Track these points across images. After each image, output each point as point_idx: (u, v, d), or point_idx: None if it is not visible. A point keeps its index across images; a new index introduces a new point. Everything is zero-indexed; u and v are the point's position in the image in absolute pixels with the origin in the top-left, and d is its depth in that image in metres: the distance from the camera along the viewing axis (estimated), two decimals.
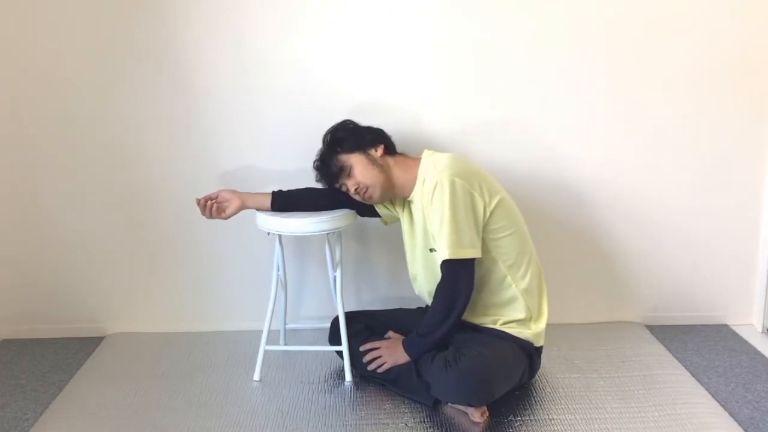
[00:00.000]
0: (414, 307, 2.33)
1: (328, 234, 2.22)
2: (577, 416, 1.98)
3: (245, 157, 2.44)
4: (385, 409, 2.04)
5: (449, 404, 2.02)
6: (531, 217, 2.24)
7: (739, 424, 1.95)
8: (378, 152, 2.08)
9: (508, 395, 2.05)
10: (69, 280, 2.57)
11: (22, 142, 2.43)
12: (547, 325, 2.11)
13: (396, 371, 2.08)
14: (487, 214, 1.96)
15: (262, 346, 2.23)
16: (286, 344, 2.48)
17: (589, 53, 2.36)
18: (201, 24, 2.32)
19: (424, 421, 1.97)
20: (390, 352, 2.10)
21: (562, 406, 2.04)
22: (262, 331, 2.23)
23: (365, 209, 2.23)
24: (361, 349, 2.16)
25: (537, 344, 2.09)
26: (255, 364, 2.24)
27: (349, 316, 2.24)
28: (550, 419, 1.97)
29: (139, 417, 2.02)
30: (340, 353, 2.24)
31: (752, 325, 2.62)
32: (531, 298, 2.06)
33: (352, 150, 2.06)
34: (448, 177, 1.91)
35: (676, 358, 2.35)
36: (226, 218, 2.18)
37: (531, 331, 2.05)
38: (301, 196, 2.20)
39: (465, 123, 2.41)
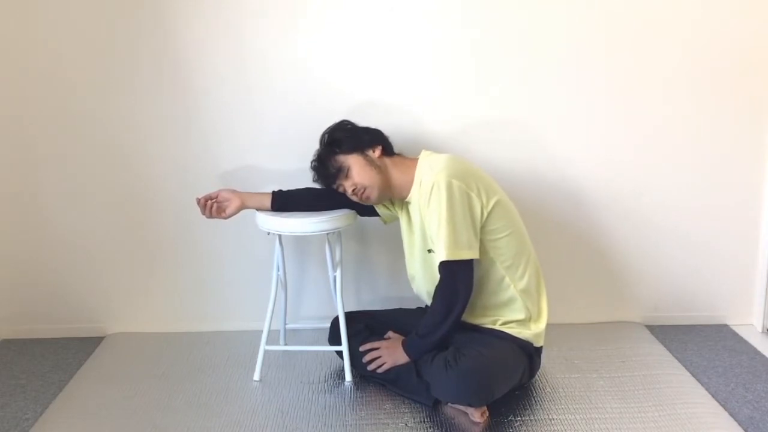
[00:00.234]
0: (414, 307, 2.33)
1: (328, 234, 2.22)
2: (577, 416, 1.98)
3: (245, 157, 2.44)
4: (385, 409, 2.04)
5: (449, 404, 2.02)
6: (531, 217, 2.25)
7: (739, 424, 1.95)
8: (376, 153, 2.08)
9: (508, 395, 2.05)
10: (69, 280, 2.57)
11: (22, 142, 2.43)
12: (547, 325, 2.11)
13: (396, 371, 2.08)
14: (485, 215, 1.96)
15: (262, 346, 2.23)
16: (286, 344, 2.48)
17: (589, 53, 2.36)
18: (201, 24, 2.32)
19: (424, 421, 1.97)
20: (390, 353, 2.10)
21: (562, 406, 2.04)
22: (262, 331, 2.23)
23: (365, 209, 2.22)
24: (361, 349, 2.16)
25: (537, 344, 2.09)
26: (255, 364, 2.24)
27: (349, 316, 2.24)
28: (550, 419, 1.97)
29: (139, 417, 2.02)
30: (340, 353, 2.24)
31: (752, 325, 2.62)
32: (530, 299, 2.06)
33: (350, 151, 2.06)
34: (445, 178, 1.91)
35: (676, 358, 2.35)
36: (226, 218, 2.18)
37: (531, 332, 2.05)
38: (302, 196, 2.21)
39: (465, 123, 2.41)
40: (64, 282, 2.57)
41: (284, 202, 2.19)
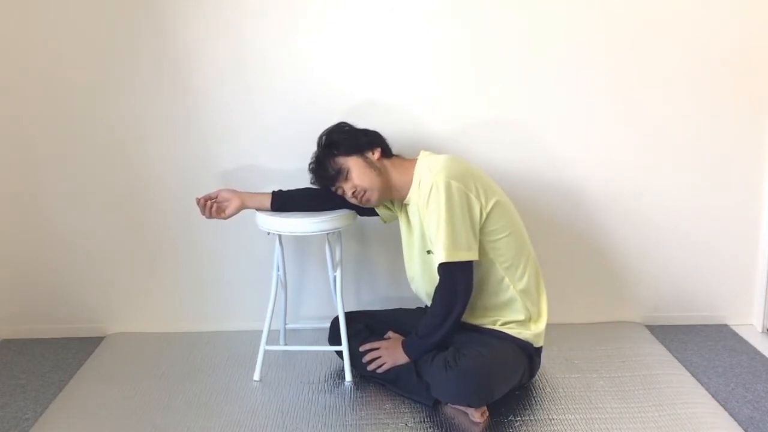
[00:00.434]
0: (414, 307, 2.33)
1: (328, 234, 2.22)
2: (577, 416, 1.98)
3: (245, 157, 2.44)
4: (385, 409, 2.04)
5: (449, 404, 2.02)
6: (531, 217, 2.25)
7: (739, 424, 1.95)
8: (375, 155, 2.07)
9: (508, 395, 2.05)
10: (69, 280, 2.57)
11: (22, 142, 2.43)
12: (547, 325, 2.11)
13: (396, 371, 2.08)
14: (484, 216, 1.96)
15: (262, 346, 2.23)
16: (286, 344, 2.48)
17: (589, 53, 2.36)
18: (201, 24, 2.32)
19: (424, 421, 1.97)
20: (389, 353, 2.10)
21: (562, 406, 2.04)
22: (262, 331, 2.23)
23: (365, 209, 2.22)
24: (361, 349, 2.16)
25: (537, 345, 2.09)
26: (255, 364, 2.24)
27: (349, 316, 2.24)
28: (550, 419, 1.97)
29: (139, 417, 2.02)
30: (340, 353, 2.24)
31: (752, 325, 2.62)
32: (529, 299, 2.05)
33: (349, 153, 2.05)
34: (444, 179, 1.90)
35: (676, 358, 2.35)
36: (225, 218, 2.18)
37: (531, 332, 2.05)
38: (301, 196, 2.20)
39: (464, 123, 2.41)
40: (64, 282, 2.57)
41: (284, 202, 2.19)
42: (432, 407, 2.03)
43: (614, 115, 2.42)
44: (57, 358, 2.44)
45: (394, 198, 2.12)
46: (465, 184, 1.93)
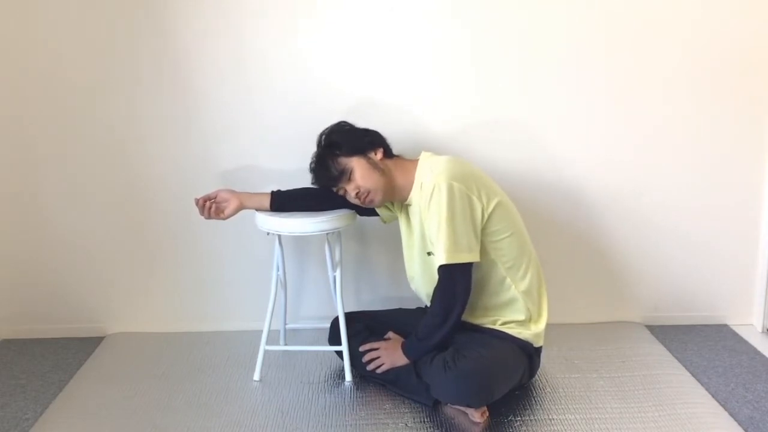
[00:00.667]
0: (414, 307, 2.32)
1: (327, 234, 2.22)
2: (577, 416, 1.98)
3: (245, 157, 2.44)
4: (385, 409, 2.04)
5: (449, 404, 2.02)
6: (531, 217, 2.25)
7: (739, 424, 1.95)
8: (378, 156, 2.06)
9: (508, 395, 2.05)
10: (69, 280, 2.57)
11: (22, 142, 2.43)
12: (547, 325, 2.11)
13: (395, 372, 2.08)
14: (485, 217, 1.95)
15: (262, 346, 2.23)
16: (286, 344, 2.48)
17: (589, 53, 2.36)
18: (201, 24, 2.32)
19: (424, 421, 1.97)
20: (389, 354, 2.10)
21: (562, 406, 2.04)
22: (262, 331, 2.23)
23: (365, 209, 2.22)
24: (361, 349, 2.16)
25: (537, 345, 2.09)
26: (255, 364, 2.24)
27: (348, 316, 2.24)
28: (550, 419, 1.97)
29: (139, 417, 2.02)
30: (340, 353, 2.24)
31: (752, 325, 2.62)
32: (531, 299, 2.05)
33: (352, 153, 2.03)
34: (446, 181, 1.90)
35: (676, 358, 2.35)
36: (224, 219, 2.18)
37: (531, 332, 2.05)
38: (300, 196, 2.20)
39: (465, 123, 2.41)
40: (64, 282, 2.57)
41: (283, 202, 2.19)
42: (432, 407, 2.03)
43: (614, 115, 2.42)
44: (57, 358, 2.44)
45: (395, 199, 2.12)
46: (467, 185, 1.92)
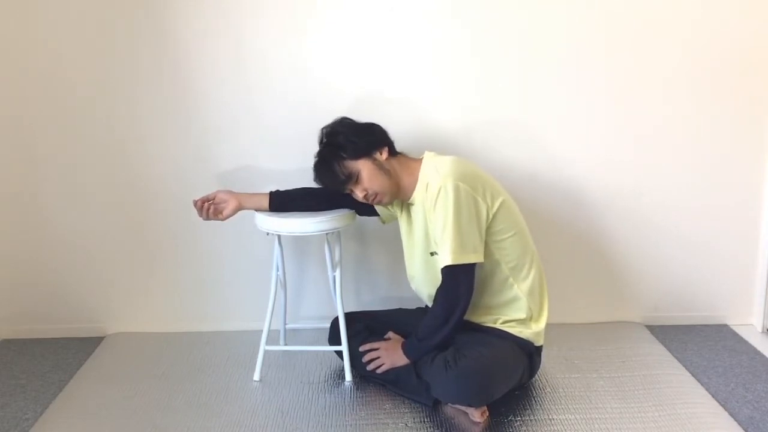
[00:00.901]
0: (414, 307, 2.32)
1: (327, 234, 2.22)
2: (577, 416, 1.98)
3: (245, 157, 2.44)
4: (385, 409, 2.04)
5: (449, 404, 2.02)
6: (531, 217, 2.24)
7: (739, 424, 1.95)
8: (383, 156, 2.04)
9: (508, 395, 2.05)
10: (69, 280, 2.57)
11: (22, 142, 2.43)
12: (547, 325, 2.11)
13: (396, 372, 2.08)
14: (490, 217, 1.95)
15: (262, 346, 2.23)
16: (286, 344, 2.48)
17: (589, 53, 2.36)
18: (201, 24, 2.32)
19: (424, 421, 1.97)
20: (388, 354, 2.10)
21: (562, 406, 2.04)
22: (262, 331, 2.23)
23: (364, 208, 2.22)
24: (361, 349, 2.16)
25: (537, 344, 2.09)
26: (255, 364, 2.24)
27: (348, 316, 2.24)
28: (550, 419, 1.97)
29: (139, 417, 2.02)
30: (340, 353, 2.24)
31: (752, 325, 2.62)
32: (533, 299, 2.05)
33: (357, 156, 2.01)
34: (452, 182, 1.90)
35: (676, 358, 2.35)
36: (223, 219, 2.18)
37: (531, 331, 2.05)
38: (299, 196, 2.20)
39: (465, 123, 2.41)
40: (64, 282, 2.57)
41: (282, 202, 2.19)
42: (432, 407, 2.03)
43: (614, 115, 2.42)
44: (57, 358, 2.44)
45: (400, 198, 2.11)
46: (472, 186, 1.93)
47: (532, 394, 2.11)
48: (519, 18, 2.33)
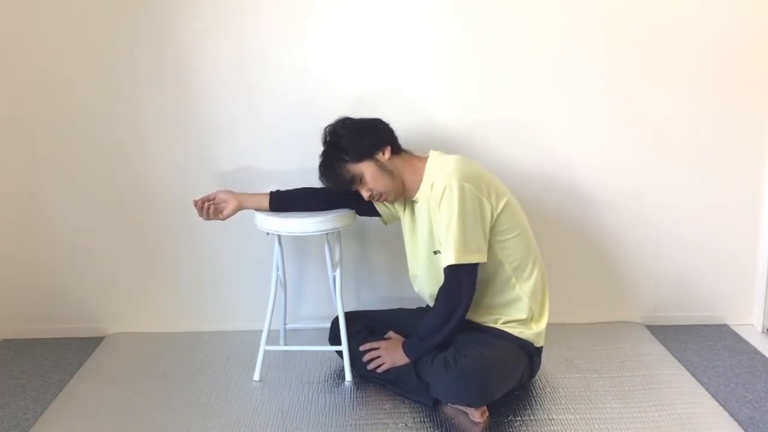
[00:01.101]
0: (414, 307, 2.32)
1: (327, 234, 2.22)
2: (577, 416, 1.98)
3: (245, 157, 2.44)
4: (385, 409, 2.04)
5: (449, 404, 2.02)
6: (531, 217, 2.24)
7: (739, 424, 1.95)
8: (386, 155, 2.03)
9: (508, 395, 2.05)
10: (69, 280, 2.57)
11: (22, 142, 2.43)
12: (547, 325, 2.10)
13: (396, 372, 2.08)
14: (494, 217, 1.96)
15: (262, 346, 2.23)
16: (286, 344, 2.48)
17: (589, 53, 2.36)
18: (201, 24, 2.32)
19: (424, 421, 1.97)
20: (389, 353, 2.10)
21: (562, 406, 2.04)
22: (262, 331, 2.23)
23: (365, 209, 2.22)
24: (361, 348, 2.16)
25: (537, 344, 2.09)
26: (255, 364, 2.24)
27: (349, 316, 2.24)
28: (550, 419, 1.97)
29: (139, 417, 2.02)
30: (340, 353, 2.24)
31: (752, 325, 2.62)
32: (535, 299, 2.05)
33: (360, 158, 2.01)
34: (457, 181, 1.90)
35: (676, 358, 2.35)
36: (223, 219, 2.18)
37: (532, 332, 2.05)
38: (299, 196, 2.20)
39: (465, 123, 2.41)
40: (64, 282, 2.57)
41: (282, 202, 2.19)
42: (432, 407, 2.03)
43: (614, 115, 2.42)
44: (57, 358, 2.44)
45: (405, 196, 2.11)
46: (477, 186, 1.93)
47: (532, 394, 2.11)
48: (519, 18, 2.33)
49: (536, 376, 2.18)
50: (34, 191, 2.48)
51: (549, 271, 2.17)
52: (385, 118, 2.13)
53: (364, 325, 2.24)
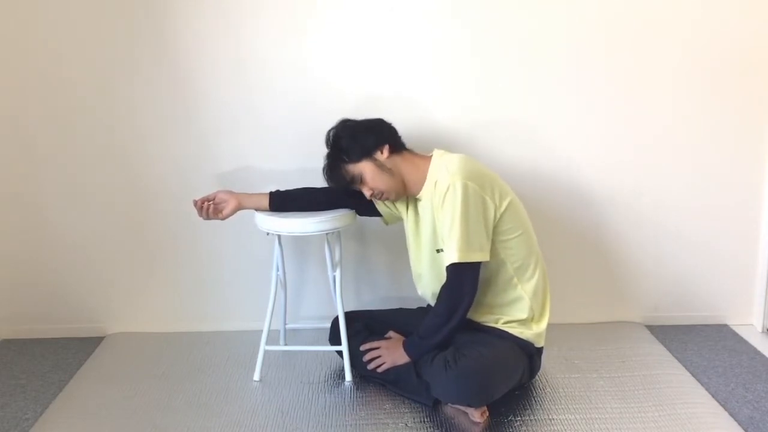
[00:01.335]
0: (414, 307, 2.32)
1: (327, 234, 2.22)
2: (577, 416, 1.98)
3: (245, 157, 2.44)
4: (385, 409, 2.04)
5: (449, 404, 2.02)
6: (531, 217, 2.23)
7: (739, 424, 1.95)
8: (384, 154, 2.04)
9: (508, 395, 2.05)
10: (69, 280, 2.57)
11: (22, 142, 2.43)
12: (548, 326, 2.10)
13: (396, 371, 2.08)
14: (497, 217, 1.96)
15: (262, 346, 2.23)
16: (286, 344, 2.48)
17: (589, 53, 2.36)
18: (201, 24, 2.32)
19: (424, 421, 1.97)
20: (389, 353, 2.10)
21: (562, 406, 2.04)
22: (262, 331, 2.23)
23: (365, 209, 2.22)
24: (361, 348, 2.16)
25: (538, 345, 2.09)
26: (255, 364, 2.25)
27: (349, 316, 2.24)
28: (550, 419, 1.97)
29: (139, 417, 2.02)
30: (340, 353, 2.24)
31: (752, 325, 2.62)
32: (536, 300, 2.06)
33: (358, 158, 2.03)
34: (461, 180, 1.90)
35: (676, 358, 2.35)
36: (223, 219, 2.18)
37: (532, 332, 2.05)
38: (299, 196, 2.20)
39: (465, 123, 2.41)
40: (64, 282, 2.57)
41: (282, 202, 2.19)
42: (432, 407, 2.03)
43: (614, 115, 2.42)
44: (57, 358, 2.44)
45: (407, 194, 2.12)
46: (481, 185, 1.93)
47: (532, 394, 2.11)
48: (519, 18, 2.33)
49: (536, 377, 2.17)
50: (34, 191, 2.48)
51: (549, 270, 2.17)
52: (386, 118, 2.13)
53: (364, 325, 2.24)
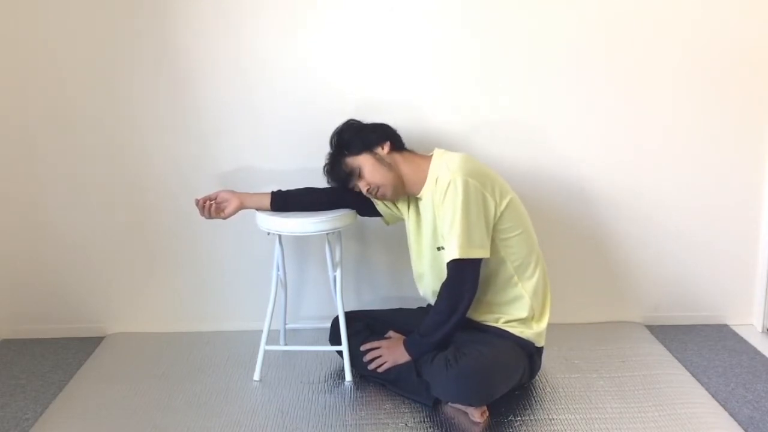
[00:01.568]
0: (415, 306, 2.33)
1: (327, 234, 2.22)
2: (577, 416, 1.98)
3: (245, 157, 2.44)
4: (385, 409, 2.04)
5: (449, 404, 2.02)
6: (531, 216, 2.24)
7: (739, 424, 1.95)
8: (384, 150, 2.06)
9: (508, 395, 2.05)
10: (69, 280, 2.57)
11: (22, 142, 2.43)
12: (548, 326, 2.10)
13: (396, 371, 2.08)
14: (498, 214, 1.96)
15: (262, 346, 2.23)
16: (286, 344, 2.48)
17: (589, 53, 2.36)
18: (201, 24, 2.32)
19: (424, 421, 1.97)
20: (390, 352, 2.11)
21: (562, 406, 2.04)
22: (262, 331, 2.23)
23: (366, 209, 2.22)
24: (362, 348, 2.16)
25: (538, 344, 2.09)
26: (255, 364, 2.24)
27: (349, 315, 2.24)
28: (550, 419, 1.97)
29: (139, 417, 2.02)
30: (340, 353, 2.24)
31: (752, 325, 2.62)
32: (536, 298, 2.06)
33: (358, 151, 2.05)
34: (462, 177, 1.91)
35: (676, 358, 2.35)
36: (224, 218, 2.18)
37: (532, 331, 2.05)
38: (301, 196, 2.20)
39: (464, 123, 2.41)
40: (64, 282, 2.57)
41: (283, 202, 2.19)
42: (432, 407, 2.03)
43: (614, 116, 2.42)
44: (57, 358, 2.44)
45: (407, 193, 2.12)
46: (482, 183, 1.94)
47: (532, 394, 2.11)
48: (519, 18, 2.33)
49: (536, 376, 2.17)
50: (34, 191, 2.48)
51: (549, 270, 2.17)
52: (386, 118, 2.14)
53: (364, 325, 2.24)
